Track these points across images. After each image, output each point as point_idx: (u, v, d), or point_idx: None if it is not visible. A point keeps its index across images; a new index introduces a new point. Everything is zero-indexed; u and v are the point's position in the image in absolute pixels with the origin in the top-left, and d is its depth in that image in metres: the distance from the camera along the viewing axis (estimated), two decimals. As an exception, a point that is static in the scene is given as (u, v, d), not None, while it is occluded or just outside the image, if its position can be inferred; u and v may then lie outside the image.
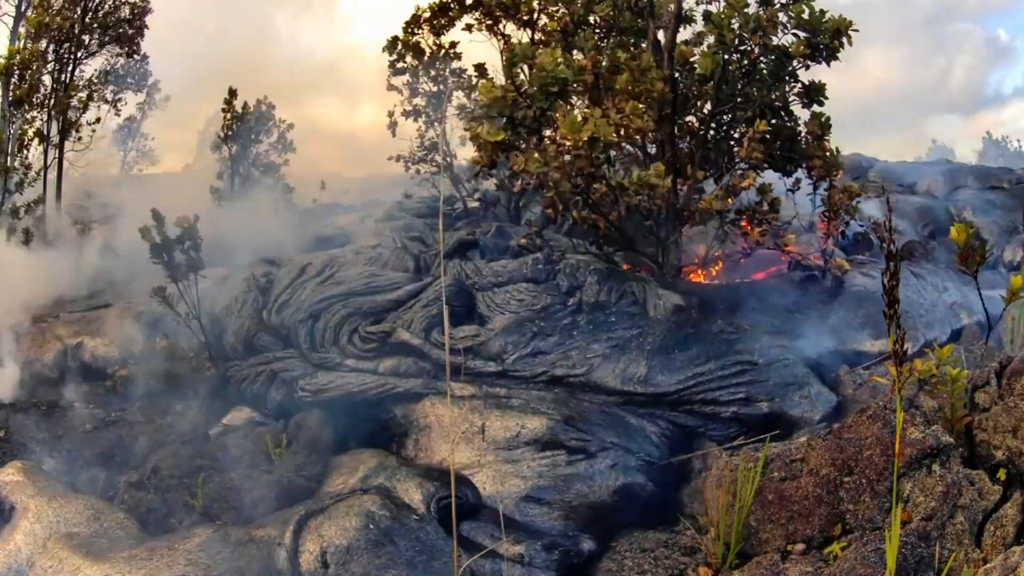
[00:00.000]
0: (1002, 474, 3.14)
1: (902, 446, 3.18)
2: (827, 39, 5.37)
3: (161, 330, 6.24)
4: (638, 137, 5.61)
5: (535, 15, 8.05)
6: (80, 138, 9.15)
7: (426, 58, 9.06)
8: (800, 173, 6.18)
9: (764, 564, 3.29)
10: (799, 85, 5.84)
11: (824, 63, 5.51)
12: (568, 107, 5.26)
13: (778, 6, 5.37)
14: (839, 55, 5.45)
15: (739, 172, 5.90)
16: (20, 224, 8.09)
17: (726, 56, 5.52)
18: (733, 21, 5.35)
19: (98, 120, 9.21)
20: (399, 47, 9.14)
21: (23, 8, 8.93)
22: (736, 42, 5.46)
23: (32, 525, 3.76)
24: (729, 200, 5.63)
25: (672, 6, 5.79)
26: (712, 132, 6.05)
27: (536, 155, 5.05)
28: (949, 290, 5.76)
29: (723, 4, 5.48)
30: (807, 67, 5.66)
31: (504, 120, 5.16)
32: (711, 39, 5.65)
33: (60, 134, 8.83)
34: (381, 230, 7.84)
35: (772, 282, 5.78)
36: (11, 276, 6.69)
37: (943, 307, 5.55)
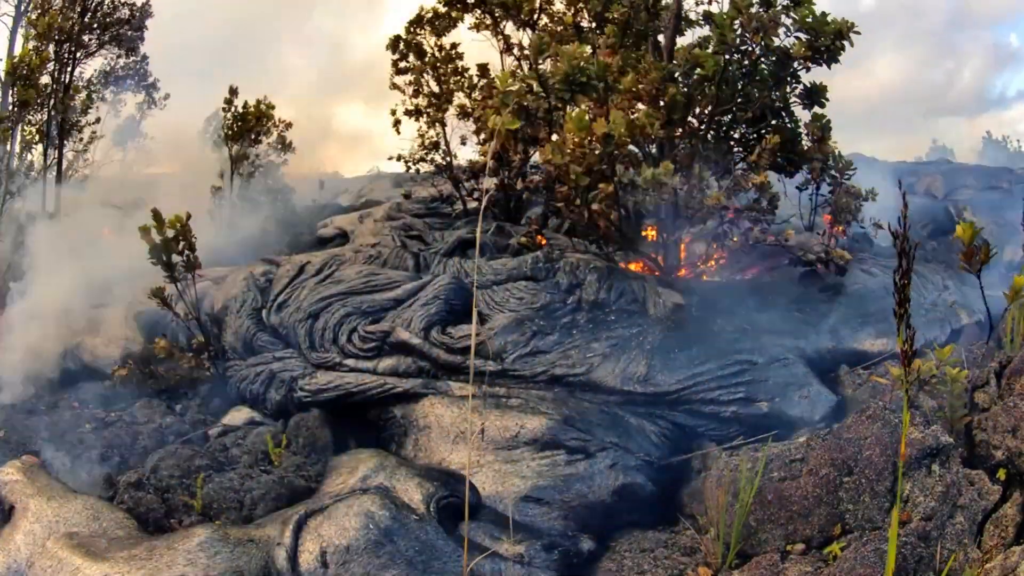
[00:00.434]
0: (1002, 474, 3.14)
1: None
2: (829, 41, 5.37)
3: (161, 330, 6.25)
4: (643, 138, 5.62)
5: (536, 15, 8.05)
6: (81, 139, 9.16)
7: (427, 59, 9.06)
8: (801, 174, 6.20)
9: (764, 564, 3.29)
10: (800, 86, 5.85)
11: (825, 65, 5.52)
12: (582, 103, 5.26)
13: (780, 8, 5.37)
14: (840, 57, 5.46)
15: (739, 171, 5.90)
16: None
17: (727, 57, 5.52)
18: (735, 22, 5.36)
19: (98, 120, 9.21)
20: (401, 46, 9.15)
21: (23, 8, 8.94)
22: (738, 43, 5.46)
23: (31, 525, 3.76)
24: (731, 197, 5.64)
25: (673, 5, 5.80)
26: (712, 132, 6.05)
27: (557, 146, 5.05)
28: (950, 289, 5.76)
29: (726, 5, 5.48)
30: (808, 68, 5.67)
31: (518, 109, 5.15)
32: (713, 39, 5.65)
33: (60, 134, 8.83)
34: (380, 229, 7.84)
35: (772, 279, 5.77)
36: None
37: (943, 306, 5.55)
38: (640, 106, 5.43)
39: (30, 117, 8.53)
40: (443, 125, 9.19)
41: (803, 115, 6.07)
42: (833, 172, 6.10)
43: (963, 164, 13.60)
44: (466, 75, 9.10)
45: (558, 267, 5.66)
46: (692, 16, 6.30)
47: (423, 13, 8.96)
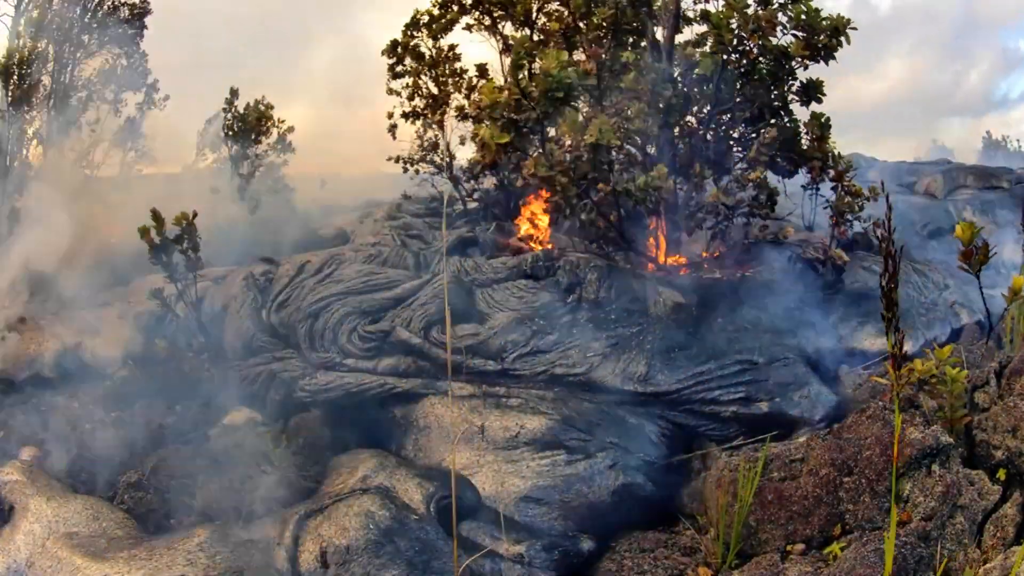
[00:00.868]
0: (1002, 474, 3.14)
1: (902, 446, 3.18)
2: (825, 38, 5.37)
3: (161, 330, 6.24)
4: (638, 139, 5.62)
5: (533, 14, 8.05)
6: (80, 138, 9.15)
7: (426, 60, 9.06)
8: (801, 174, 6.20)
9: (764, 564, 3.29)
10: (797, 83, 5.85)
11: (823, 62, 5.52)
12: (569, 112, 5.26)
13: (777, 6, 5.38)
14: (836, 54, 5.46)
15: (739, 171, 5.90)
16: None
17: (725, 56, 5.52)
18: (732, 22, 5.36)
19: (97, 120, 9.20)
20: (398, 50, 9.14)
21: (23, 8, 8.93)
22: (735, 42, 5.46)
23: (31, 525, 3.76)
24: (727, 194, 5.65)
25: (671, 5, 5.80)
26: (711, 132, 6.05)
27: (543, 159, 5.05)
28: (950, 288, 5.75)
29: (722, 4, 5.48)
30: (806, 67, 5.67)
31: (506, 121, 5.16)
32: (711, 39, 5.65)
33: (60, 134, 8.83)
34: (380, 229, 7.84)
35: (772, 277, 5.75)
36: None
37: (943, 306, 5.55)
38: (636, 106, 5.43)
39: (26, 116, 8.53)
40: (442, 127, 9.18)
41: (802, 114, 6.08)
42: (833, 173, 6.10)
43: (963, 164, 13.58)
44: (464, 76, 9.10)
45: (558, 266, 5.65)
46: (690, 14, 6.31)
47: (419, 16, 8.96)
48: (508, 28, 8.50)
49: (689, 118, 6.17)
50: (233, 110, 10.52)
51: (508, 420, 4.44)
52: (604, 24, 6.19)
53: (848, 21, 5.34)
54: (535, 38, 7.75)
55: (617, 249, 5.96)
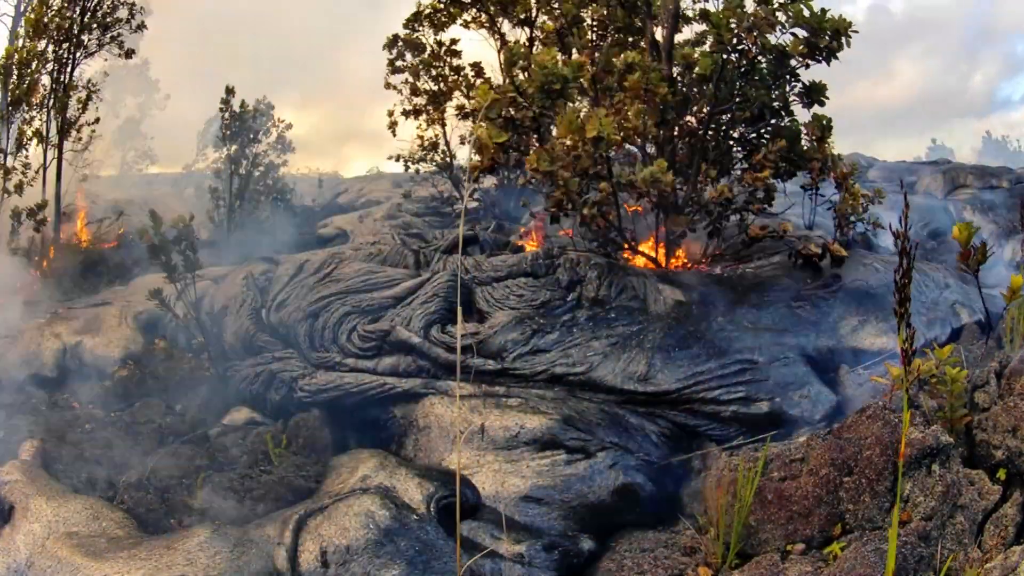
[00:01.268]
0: (1002, 474, 3.14)
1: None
2: (827, 39, 5.37)
3: (161, 330, 6.23)
4: (638, 138, 5.62)
5: (532, 13, 8.05)
6: (80, 138, 9.13)
7: (426, 55, 9.06)
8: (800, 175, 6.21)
9: (764, 564, 3.29)
10: (799, 85, 5.85)
11: (824, 63, 5.52)
12: (567, 107, 5.27)
13: (776, 5, 5.37)
14: (838, 55, 5.46)
15: (739, 171, 5.91)
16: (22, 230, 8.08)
17: (724, 56, 5.52)
18: (731, 21, 5.35)
19: (97, 120, 9.17)
20: (399, 44, 9.14)
21: (22, 8, 8.92)
22: (735, 42, 5.46)
23: (31, 525, 3.76)
24: (730, 191, 5.67)
25: (670, 5, 5.80)
26: (711, 132, 6.05)
27: (545, 153, 5.06)
28: (951, 287, 5.74)
29: (721, 3, 5.48)
30: (807, 66, 5.66)
31: (503, 121, 5.17)
32: (710, 39, 5.65)
33: (59, 134, 8.81)
34: (380, 229, 7.84)
35: (773, 273, 5.74)
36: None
37: (944, 305, 5.54)
38: (637, 105, 5.43)
39: (26, 116, 8.51)
40: (442, 125, 9.19)
41: (802, 115, 6.08)
42: (835, 175, 6.12)
43: (963, 164, 13.60)
44: (462, 74, 9.11)
45: (558, 263, 5.64)
46: (689, 14, 6.31)
47: (421, 9, 8.97)
48: (506, 26, 8.51)
49: (689, 118, 6.17)
50: (230, 109, 10.51)
51: (508, 420, 4.44)
52: (597, 24, 6.20)
53: (850, 24, 5.34)
54: (533, 37, 7.76)
55: (617, 248, 5.97)
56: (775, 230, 5.98)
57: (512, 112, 5.20)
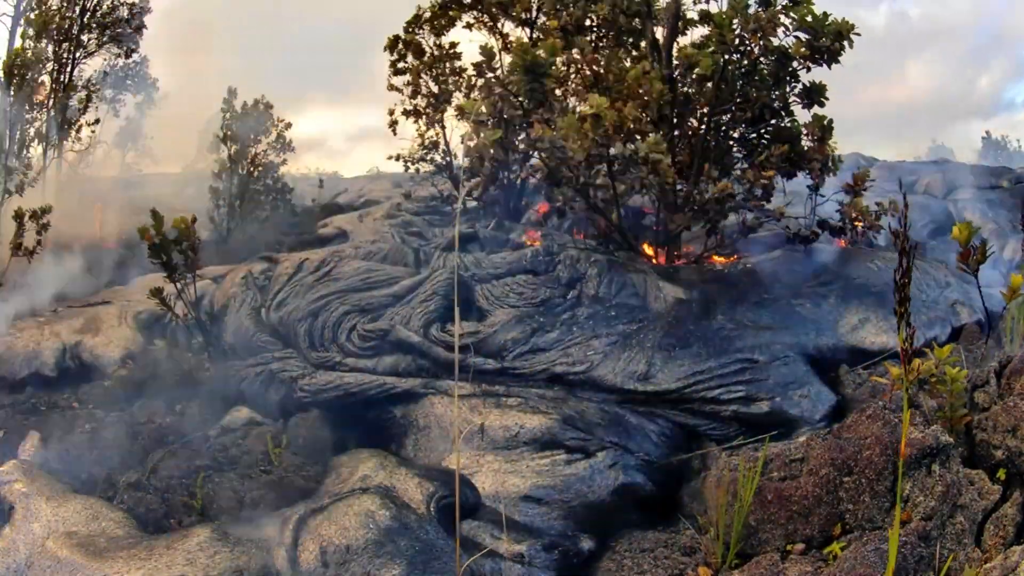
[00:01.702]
0: (1002, 474, 3.14)
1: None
2: (829, 41, 5.37)
3: (161, 329, 6.23)
4: (638, 135, 5.62)
5: (533, 13, 8.05)
6: (80, 139, 9.14)
7: (427, 58, 9.06)
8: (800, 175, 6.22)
9: (764, 564, 3.28)
10: (800, 86, 5.85)
11: (826, 65, 5.52)
12: (557, 96, 5.31)
13: (779, 7, 5.38)
14: (840, 58, 5.46)
15: (739, 171, 5.91)
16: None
17: (725, 56, 5.52)
18: (734, 22, 5.35)
19: (97, 120, 9.19)
20: (400, 46, 9.14)
21: (23, 8, 8.92)
22: (736, 42, 5.46)
23: (30, 524, 3.76)
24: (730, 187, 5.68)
25: (671, 6, 5.80)
26: (711, 132, 6.05)
27: (549, 125, 5.08)
28: (951, 286, 5.74)
29: (724, 5, 5.49)
30: (808, 68, 5.66)
31: (497, 120, 5.19)
32: (713, 39, 5.65)
33: (59, 134, 8.82)
34: (381, 228, 7.84)
35: (773, 268, 5.74)
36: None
37: (944, 304, 5.54)
38: (633, 105, 5.44)
39: (27, 116, 8.52)
40: (442, 125, 9.19)
41: (802, 115, 6.09)
42: (845, 187, 6.19)
43: (962, 164, 13.60)
44: (463, 75, 9.11)
45: (558, 260, 5.63)
46: (691, 15, 6.31)
47: (421, 12, 8.98)
48: (508, 27, 8.51)
49: (689, 118, 6.17)
50: (232, 110, 10.52)
51: (508, 419, 4.44)
52: (600, 26, 6.21)
53: (852, 26, 5.34)
54: (535, 37, 7.76)
55: (618, 246, 5.97)
56: (771, 211, 6.01)
57: (503, 112, 5.22)
